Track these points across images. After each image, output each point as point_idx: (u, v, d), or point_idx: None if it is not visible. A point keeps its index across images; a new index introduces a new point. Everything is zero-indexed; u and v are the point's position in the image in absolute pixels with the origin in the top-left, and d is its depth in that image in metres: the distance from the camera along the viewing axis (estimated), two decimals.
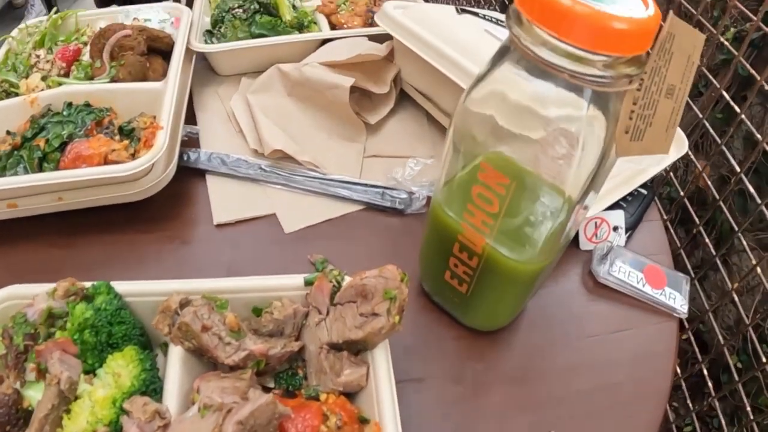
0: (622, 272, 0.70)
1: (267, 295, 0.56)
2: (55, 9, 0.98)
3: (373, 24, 0.98)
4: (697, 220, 0.98)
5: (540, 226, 0.50)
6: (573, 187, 0.45)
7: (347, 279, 0.55)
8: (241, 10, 0.94)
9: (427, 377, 0.61)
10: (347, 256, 0.70)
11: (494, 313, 0.62)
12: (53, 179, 0.69)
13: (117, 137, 0.76)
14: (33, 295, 0.57)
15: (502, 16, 0.91)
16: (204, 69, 0.93)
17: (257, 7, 0.94)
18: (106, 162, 0.72)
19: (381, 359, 0.51)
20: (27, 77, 0.86)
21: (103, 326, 0.55)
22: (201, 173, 0.80)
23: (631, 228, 0.77)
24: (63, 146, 0.74)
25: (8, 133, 0.79)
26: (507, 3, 1.43)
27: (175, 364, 0.53)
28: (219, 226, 0.74)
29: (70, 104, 0.78)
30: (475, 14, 0.89)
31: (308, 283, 0.56)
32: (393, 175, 0.78)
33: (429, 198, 0.77)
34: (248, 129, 0.83)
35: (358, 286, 0.51)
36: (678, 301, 0.69)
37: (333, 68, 0.84)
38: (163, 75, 0.88)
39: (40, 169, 0.73)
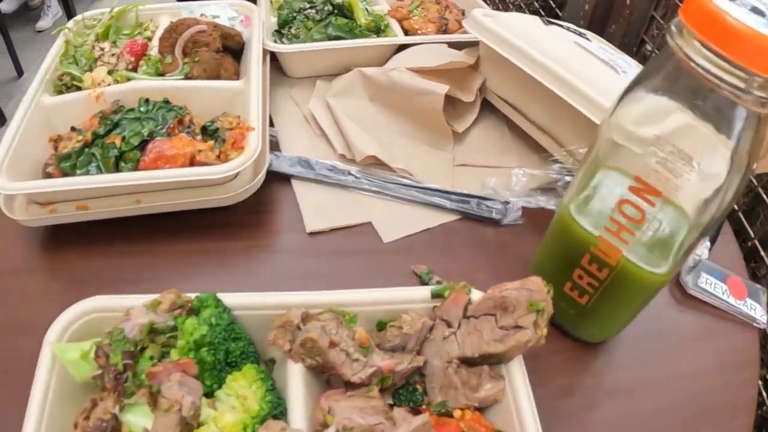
0: (709, 284, 0.70)
1: (393, 308, 0.53)
2: (114, 6, 0.92)
3: (447, 31, 0.94)
4: (751, 232, 0.95)
5: (678, 237, 0.49)
6: (712, 204, 0.45)
7: (475, 292, 0.53)
8: (313, 11, 0.89)
9: (537, 390, 0.57)
10: (442, 266, 0.66)
11: (610, 324, 0.61)
12: (137, 179, 0.63)
13: (198, 137, 0.71)
14: (121, 308, 0.51)
15: (585, 31, 0.88)
16: (273, 70, 0.88)
17: (331, 8, 0.90)
18: (192, 163, 0.66)
19: (517, 372, 0.50)
20: (90, 70, 0.80)
21: (220, 343, 0.50)
22: (283, 178, 0.74)
23: (713, 240, 0.76)
24: (142, 145, 0.68)
25: (74, 129, 0.73)
26: (542, 13, 1.42)
27: (297, 382, 0.49)
28: (312, 234, 0.69)
29: (147, 100, 0.73)
30: (560, 26, 0.86)
31: (435, 295, 0.53)
32: (489, 185, 0.74)
33: (523, 209, 0.73)
34: (333, 133, 0.78)
35: (497, 298, 0.49)
36: (758, 312, 0.69)
37: (421, 74, 0.79)
38: (235, 74, 0.83)
39: (117, 169, 0.67)
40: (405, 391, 0.51)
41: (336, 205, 0.71)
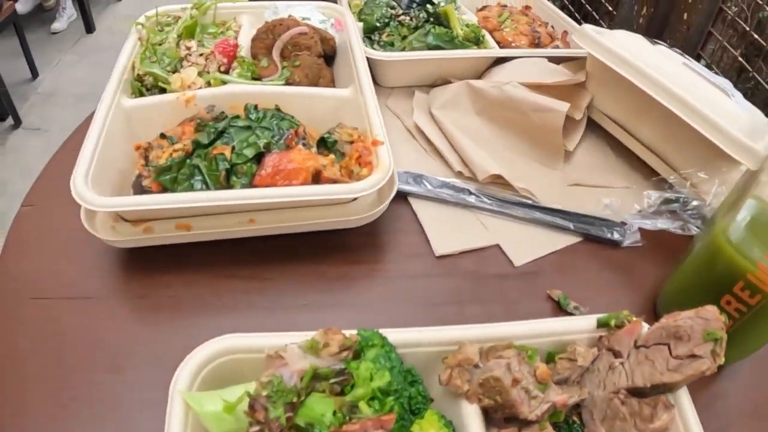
0: None
1: (560, 339, 0.50)
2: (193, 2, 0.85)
3: (539, 44, 0.90)
4: None
5: None
6: None
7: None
8: (407, 17, 0.84)
9: None
10: (566, 289, 0.62)
11: (749, 347, 0.59)
12: (259, 197, 0.57)
13: (313, 149, 0.65)
14: (258, 348, 0.44)
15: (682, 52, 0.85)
16: None
17: (426, 16, 0.85)
18: (316, 179, 0.60)
19: (684, 400, 0.48)
20: (176, 71, 0.73)
21: (404, 389, 0.44)
22: (399, 195, 0.69)
23: None
24: (257, 157, 0.62)
25: (164, 136, 0.66)
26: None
27: (475, 424, 0.44)
28: (440, 257, 0.64)
29: (256, 107, 0.66)
30: (668, 47, 0.82)
31: (601, 324, 0.50)
32: (606, 205, 0.70)
33: (641, 230, 0.70)
34: (446, 149, 0.73)
35: (670, 327, 0.47)
36: None
37: (535, 90, 0.75)
38: (332, 82, 0.77)
39: (228, 183, 0.61)
40: (565, 424, 0.49)
41: (461, 226, 0.66)
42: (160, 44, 0.78)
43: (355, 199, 0.62)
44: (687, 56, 0.84)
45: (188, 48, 0.75)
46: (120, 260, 0.61)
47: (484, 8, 1.00)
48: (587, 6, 2.20)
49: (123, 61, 0.75)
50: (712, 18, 1.40)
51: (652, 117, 0.72)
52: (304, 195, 0.57)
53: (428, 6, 0.86)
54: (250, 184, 0.60)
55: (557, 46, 0.90)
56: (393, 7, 0.89)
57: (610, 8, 1.92)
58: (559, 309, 0.61)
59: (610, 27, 1.80)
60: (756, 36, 1.14)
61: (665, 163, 0.76)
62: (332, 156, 0.63)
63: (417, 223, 0.67)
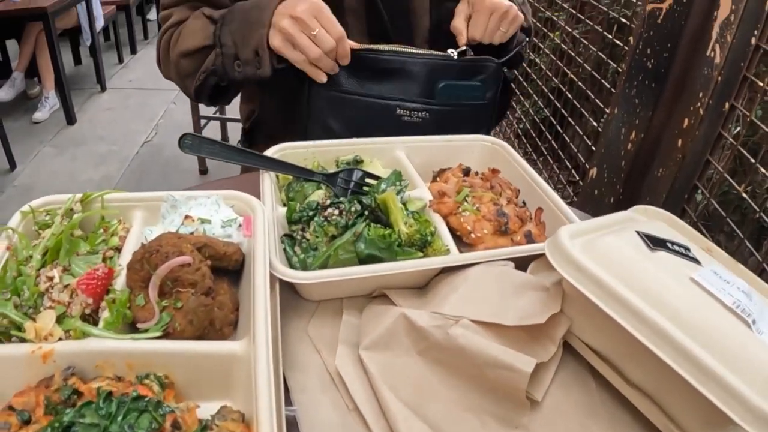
0: None
1: None
2: (72, 199, 0.70)
3: (507, 232, 0.73)
4: None
5: None
6: None
7: None
8: (336, 211, 0.68)
9: None
10: None
11: None
12: None
13: None
14: None
15: (689, 244, 0.69)
16: (282, 289, 0.66)
17: (360, 209, 0.69)
18: None
19: None
20: (35, 310, 0.58)
21: None
22: None
23: None
24: None
25: (12, 409, 0.51)
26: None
27: None
28: None
29: (109, 394, 0.49)
30: (665, 246, 0.66)
31: None
32: None
33: None
34: (371, 412, 0.56)
35: None
36: None
37: (490, 329, 0.58)
38: (234, 309, 0.61)
39: None
40: None
41: None
42: (27, 262, 0.63)
43: None
44: (693, 251, 0.68)
45: (50, 279, 0.59)
46: None
47: (442, 173, 0.84)
48: (573, 126, 2.12)
49: None
50: (710, 146, 1.27)
51: (644, 357, 0.56)
52: None
53: (363, 198, 0.70)
54: None
55: (529, 233, 0.74)
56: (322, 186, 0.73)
57: (596, 124, 1.83)
58: None
59: (596, 150, 1.69)
60: None
61: (662, 412, 0.59)
62: None
63: None
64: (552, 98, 2.22)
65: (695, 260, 0.66)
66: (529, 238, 0.75)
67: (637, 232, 0.67)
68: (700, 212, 1.31)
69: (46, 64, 4.00)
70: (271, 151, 0.83)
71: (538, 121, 2.38)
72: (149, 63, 5.24)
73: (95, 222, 0.70)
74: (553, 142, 2.26)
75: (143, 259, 0.58)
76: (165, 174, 3.37)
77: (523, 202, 0.83)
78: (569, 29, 2.10)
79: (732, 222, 1.18)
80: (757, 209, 1.13)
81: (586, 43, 1.97)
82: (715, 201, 1.23)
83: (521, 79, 2.60)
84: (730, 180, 1.18)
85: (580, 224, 0.67)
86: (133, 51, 5.44)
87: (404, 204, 0.73)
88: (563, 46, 2.17)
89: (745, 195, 1.15)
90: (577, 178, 2.06)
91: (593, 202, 1.69)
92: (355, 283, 0.65)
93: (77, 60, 5.00)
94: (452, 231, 0.73)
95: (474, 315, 0.59)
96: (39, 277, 0.61)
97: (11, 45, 4.47)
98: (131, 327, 0.58)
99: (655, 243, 0.64)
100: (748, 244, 1.13)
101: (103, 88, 4.48)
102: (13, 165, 3.45)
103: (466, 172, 0.84)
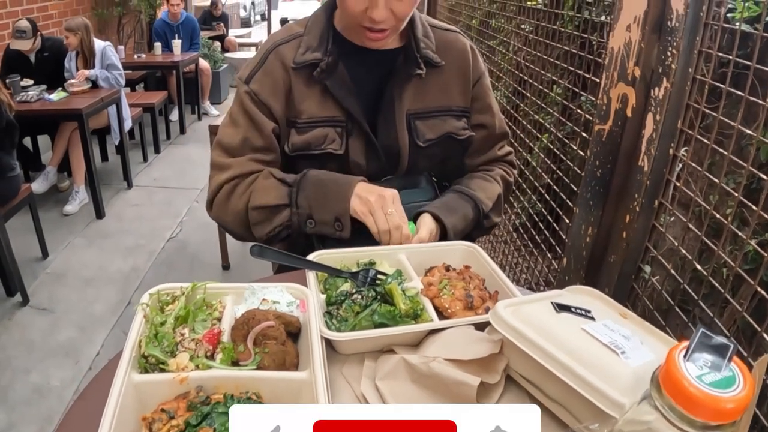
0: None
1: None
2: (186, 290, 1.07)
3: (473, 307, 1.10)
4: None
5: None
6: None
7: None
8: (359, 296, 1.06)
9: None
10: None
11: None
12: None
13: None
14: None
15: (589, 308, 1.05)
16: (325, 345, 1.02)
17: (374, 294, 1.06)
18: None
19: None
20: (173, 354, 0.93)
21: None
22: None
23: None
24: None
25: (163, 411, 0.84)
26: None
27: None
28: None
29: (232, 396, 0.85)
30: (569, 310, 1.02)
31: None
32: None
33: None
34: None
35: None
36: None
37: (456, 365, 0.94)
38: (296, 358, 0.96)
39: None
40: None
41: None
42: (162, 324, 0.99)
43: None
44: (592, 312, 1.03)
45: (182, 335, 0.95)
46: None
47: (431, 269, 1.21)
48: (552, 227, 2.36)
49: (132, 340, 0.95)
50: (647, 233, 1.61)
51: (556, 381, 0.89)
52: None
53: (377, 288, 1.07)
54: None
55: (488, 308, 1.11)
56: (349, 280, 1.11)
57: (560, 230, 2.13)
58: None
59: (566, 242, 2.02)
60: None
61: (570, 415, 0.92)
62: None
63: None
64: (544, 194, 2.35)
65: (591, 318, 1.00)
66: (487, 311, 1.11)
67: (552, 302, 1.03)
68: (648, 287, 1.63)
69: (77, 161, 4.23)
70: (312, 256, 1.21)
71: (533, 214, 2.53)
72: (172, 162, 5.44)
73: (197, 299, 1.07)
74: (546, 233, 2.37)
75: (244, 322, 0.94)
76: (191, 268, 3.56)
77: (485, 287, 1.20)
78: (554, 131, 2.28)
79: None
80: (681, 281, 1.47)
81: (569, 143, 2.16)
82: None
83: (517, 177, 2.61)
84: (662, 260, 1.54)
85: (514, 299, 1.03)
86: (157, 150, 5.64)
87: (403, 291, 1.10)
88: (550, 146, 2.34)
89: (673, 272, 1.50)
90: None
91: (564, 286, 2.02)
92: (372, 341, 1.01)
93: (104, 157, 5.22)
94: (436, 308, 1.10)
95: (446, 355, 0.95)
96: (174, 334, 0.97)
97: (42, 140, 4.70)
98: (235, 364, 0.93)
99: (561, 308, 1.00)
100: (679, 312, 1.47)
101: (130, 185, 4.70)
102: (45, 253, 3.64)
103: (447, 268, 1.21)
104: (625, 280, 1.69)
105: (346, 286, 1.13)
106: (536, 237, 2.47)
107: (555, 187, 2.27)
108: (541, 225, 2.43)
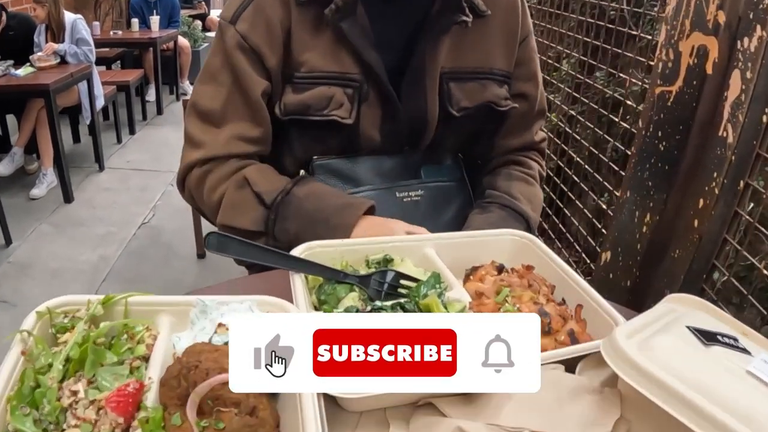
0: None
1: None
2: (92, 305, 0.67)
3: (551, 332, 0.70)
4: None
5: None
6: None
7: None
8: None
9: None
10: None
11: None
12: None
13: None
14: None
15: (738, 335, 0.67)
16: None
17: (398, 311, 0.66)
18: None
19: None
20: (56, 426, 0.53)
21: None
22: None
23: None
24: None
25: None
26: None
27: None
28: None
29: None
30: (721, 342, 0.64)
31: None
32: None
33: None
34: None
35: None
36: None
37: None
38: (275, 426, 0.56)
39: None
40: None
41: None
42: (46, 372, 0.58)
43: None
44: (750, 351, 0.66)
45: (74, 393, 0.55)
46: None
47: (475, 270, 0.81)
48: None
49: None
50: (726, 225, 1.27)
51: None
52: None
53: (405, 304, 0.67)
54: None
55: (572, 331, 0.71)
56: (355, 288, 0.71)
57: (605, 206, 1.83)
58: None
59: (607, 233, 1.69)
60: None
61: None
62: None
63: None
64: (552, 177, 2.27)
65: (746, 351, 0.65)
66: (573, 338, 0.72)
67: (688, 327, 0.66)
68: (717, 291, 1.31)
69: (45, 141, 4.04)
70: (299, 250, 0.80)
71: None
72: (148, 144, 5.30)
73: (116, 322, 0.66)
74: (555, 219, 2.28)
75: (180, 376, 0.54)
76: (164, 257, 3.34)
77: (563, 299, 0.80)
78: (566, 108, 2.13)
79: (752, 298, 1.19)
80: None
81: (584, 120, 2.03)
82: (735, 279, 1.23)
83: None
84: (751, 258, 1.18)
85: (631, 323, 0.65)
86: (132, 132, 5.47)
87: (445, 306, 0.70)
88: (560, 124, 2.23)
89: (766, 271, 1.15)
90: (584, 256, 2.04)
91: (607, 286, 1.67)
92: (399, 395, 0.60)
93: (76, 138, 5.04)
94: None
95: (535, 426, 0.56)
96: (62, 390, 0.56)
97: (10, 120, 4.53)
98: None
99: (708, 338, 0.64)
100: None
101: (102, 168, 4.49)
102: (8, 241, 3.43)
103: (500, 269, 0.81)
104: (694, 281, 1.36)
105: (351, 298, 0.73)
106: (542, 224, 2.31)
107: (566, 169, 2.12)
108: (548, 210, 2.27)
